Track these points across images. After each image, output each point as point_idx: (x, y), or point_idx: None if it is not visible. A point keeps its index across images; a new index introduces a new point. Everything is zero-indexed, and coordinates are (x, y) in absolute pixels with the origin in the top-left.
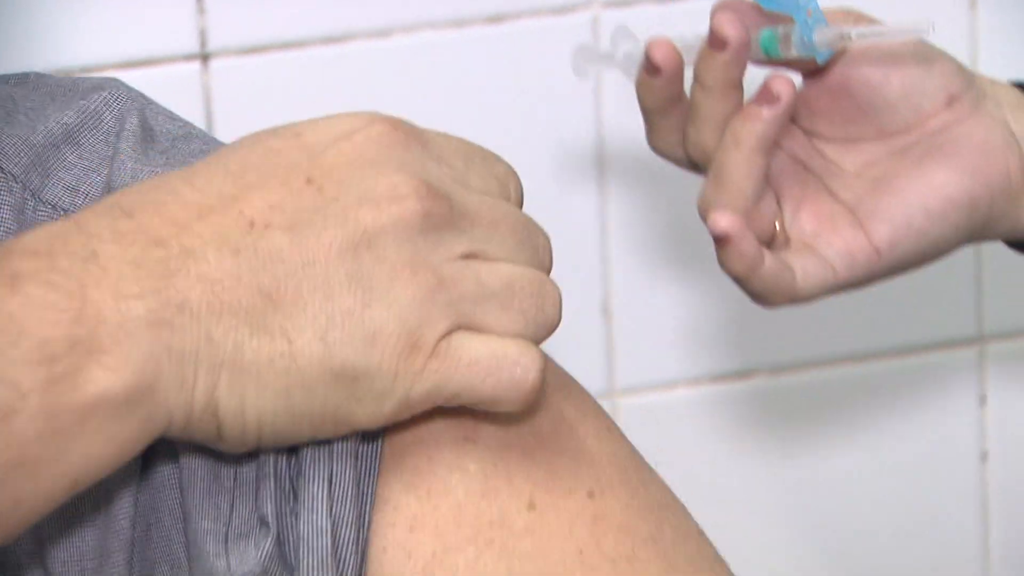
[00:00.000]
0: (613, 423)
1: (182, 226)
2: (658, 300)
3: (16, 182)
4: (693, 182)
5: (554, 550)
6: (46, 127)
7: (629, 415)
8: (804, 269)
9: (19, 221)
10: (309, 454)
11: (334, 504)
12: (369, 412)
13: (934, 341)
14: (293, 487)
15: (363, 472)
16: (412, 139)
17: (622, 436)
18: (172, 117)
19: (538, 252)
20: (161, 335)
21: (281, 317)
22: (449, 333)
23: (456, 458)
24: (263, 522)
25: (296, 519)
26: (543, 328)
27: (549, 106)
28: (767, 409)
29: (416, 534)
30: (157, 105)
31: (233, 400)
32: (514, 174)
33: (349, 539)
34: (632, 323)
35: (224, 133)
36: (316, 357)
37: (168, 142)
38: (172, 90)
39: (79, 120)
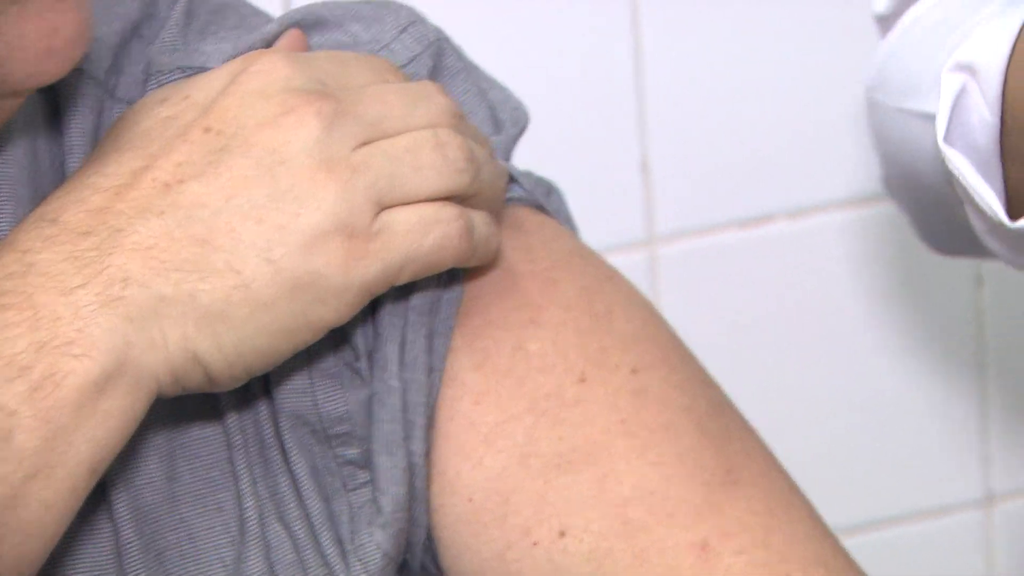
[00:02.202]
0: (656, 310)
1: (105, 211)
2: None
3: (98, 85)
4: (725, 28)
5: (599, 418)
6: (121, 25)
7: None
8: None
9: (97, 123)
10: (386, 323)
11: (405, 370)
12: (334, 308)
13: None
14: (371, 356)
15: (435, 348)
16: (289, 62)
17: (663, 321)
18: None
19: (433, 111)
20: (116, 310)
21: (223, 255)
22: (378, 213)
23: (520, 340)
24: (354, 370)
25: (372, 377)
26: (457, 173)
27: None
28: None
29: (480, 407)
30: None
31: (208, 343)
32: (387, 62)
33: (418, 403)
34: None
35: None
36: (268, 277)
37: (207, 15)
38: None
39: (141, 13)
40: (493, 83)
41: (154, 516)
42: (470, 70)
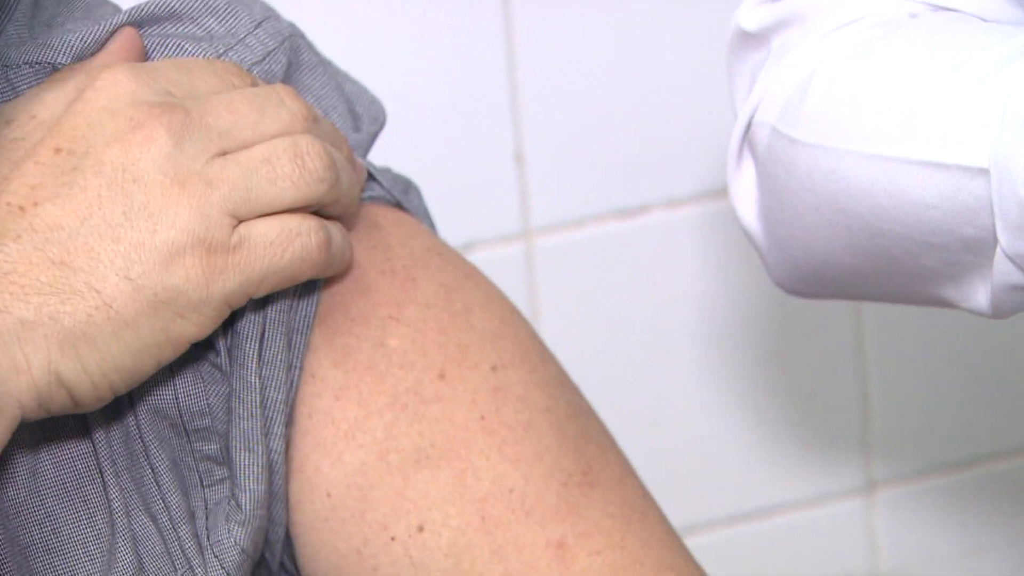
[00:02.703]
0: (515, 308)
1: None
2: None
3: None
4: (598, 18)
5: (459, 415)
6: None
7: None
8: None
9: None
10: (245, 320)
11: (264, 367)
12: (195, 323)
13: None
14: (230, 353)
15: (294, 345)
16: (133, 74)
17: (523, 319)
18: None
19: (285, 116)
20: None
21: (83, 275)
22: (236, 226)
23: (381, 335)
24: (214, 365)
25: (230, 374)
26: (315, 182)
27: None
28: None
29: (340, 402)
30: None
31: (72, 365)
32: (234, 64)
33: (278, 400)
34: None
35: None
36: (128, 296)
37: (52, 7)
38: None
39: None
40: (347, 77)
41: (16, 511)
42: (325, 65)
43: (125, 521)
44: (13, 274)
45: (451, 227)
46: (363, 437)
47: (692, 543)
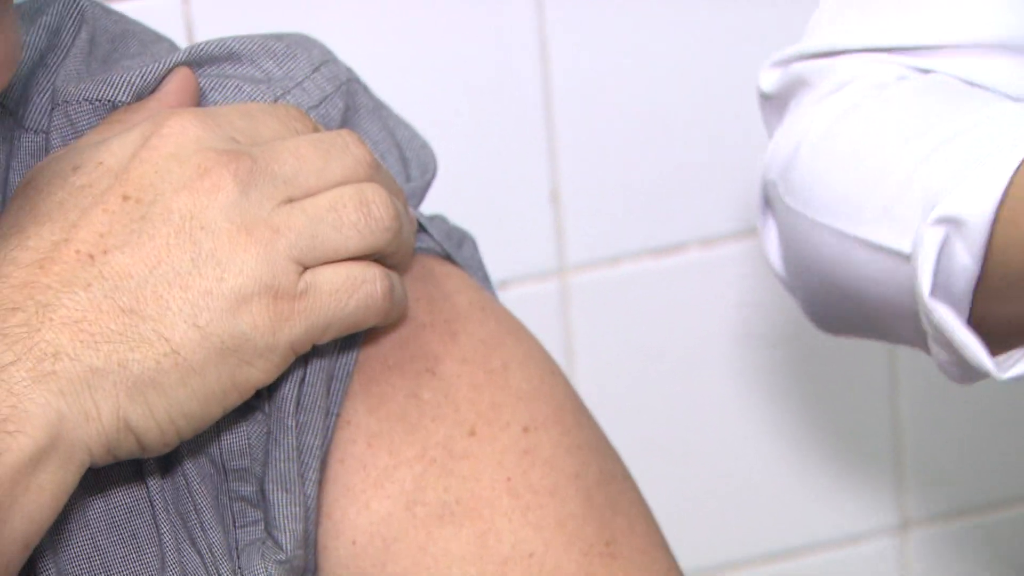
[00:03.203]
0: (557, 367)
1: (31, 286)
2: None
3: (9, 115)
4: (635, 57)
5: (485, 475)
6: (28, 54)
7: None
8: None
9: (8, 152)
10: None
11: (302, 412)
12: (262, 369)
13: None
14: (270, 395)
15: (332, 391)
16: (199, 120)
17: (563, 379)
18: (107, 11)
19: (349, 163)
20: (49, 385)
21: (151, 323)
22: (302, 273)
23: (415, 387)
24: (255, 407)
25: (269, 416)
26: (381, 231)
27: None
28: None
29: (372, 449)
30: (99, 4)
31: (140, 411)
32: (296, 109)
33: (314, 446)
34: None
35: None
36: (196, 343)
37: (108, 44)
38: (154, 21)
39: (46, 42)
40: (399, 121)
41: (65, 546)
42: (380, 109)
43: (176, 556)
44: (83, 322)
45: (486, 264)
46: (391, 487)
47: None
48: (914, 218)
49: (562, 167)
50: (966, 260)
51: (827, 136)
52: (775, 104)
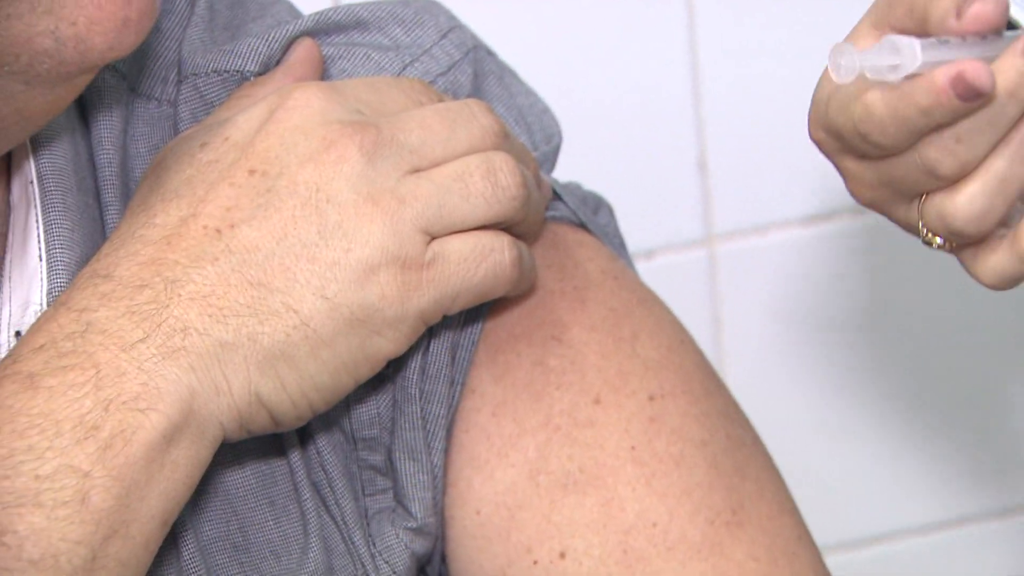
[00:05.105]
0: (688, 336)
1: (158, 263)
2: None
3: (122, 80)
4: (782, 23)
5: (610, 443)
6: None
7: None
8: None
9: (124, 116)
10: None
11: (426, 381)
12: (392, 339)
13: None
14: (396, 365)
15: (458, 360)
16: (323, 93)
17: (694, 348)
18: None
19: (476, 132)
20: (179, 361)
21: (279, 296)
22: (429, 242)
23: (542, 355)
24: (383, 376)
25: (395, 385)
26: (508, 199)
27: None
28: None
29: (497, 418)
30: None
31: (272, 384)
32: (420, 81)
33: (439, 415)
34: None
35: None
36: (325, 314)
37: (227, 10)
38: None
39: (162, 7)
40: (522, 87)
41: (205, 511)
42: (504, 75)
43: (317, 522)
44: (212, 296)
45: (634, 234)
46: (515, 456)
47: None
48: None
49: (709, 136)
50: None
51: None
52: None
